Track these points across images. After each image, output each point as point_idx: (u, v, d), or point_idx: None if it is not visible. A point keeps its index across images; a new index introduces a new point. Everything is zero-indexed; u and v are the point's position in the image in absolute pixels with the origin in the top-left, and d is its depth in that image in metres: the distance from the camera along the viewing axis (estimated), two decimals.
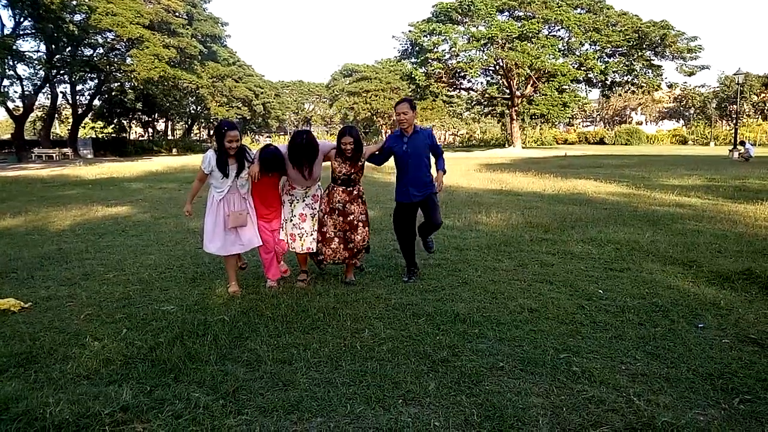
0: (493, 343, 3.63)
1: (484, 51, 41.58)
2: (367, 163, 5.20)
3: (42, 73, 34.94)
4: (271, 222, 4.95)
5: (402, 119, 4.98)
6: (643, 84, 44.86)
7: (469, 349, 3.53)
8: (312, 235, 4.95)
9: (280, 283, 5.01)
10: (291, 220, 4.97)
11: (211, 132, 66.68)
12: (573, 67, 42.29)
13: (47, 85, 36.55)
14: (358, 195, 5.03)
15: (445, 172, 5.14)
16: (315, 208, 5.00)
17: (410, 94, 49.72)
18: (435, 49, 42.32)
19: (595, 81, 45.32)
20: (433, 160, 5.18)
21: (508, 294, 4.67)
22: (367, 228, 5.09)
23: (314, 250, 4.95)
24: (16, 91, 35.86)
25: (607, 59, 43.60)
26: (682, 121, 73.79)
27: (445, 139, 78.01)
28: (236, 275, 4.95)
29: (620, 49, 42.15)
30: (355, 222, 4.97)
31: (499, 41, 40.13)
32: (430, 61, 42.83)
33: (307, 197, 4.99)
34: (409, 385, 3.04)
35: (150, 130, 55.83)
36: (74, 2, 31.69)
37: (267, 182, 4.80)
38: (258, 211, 4.89)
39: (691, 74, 43.21)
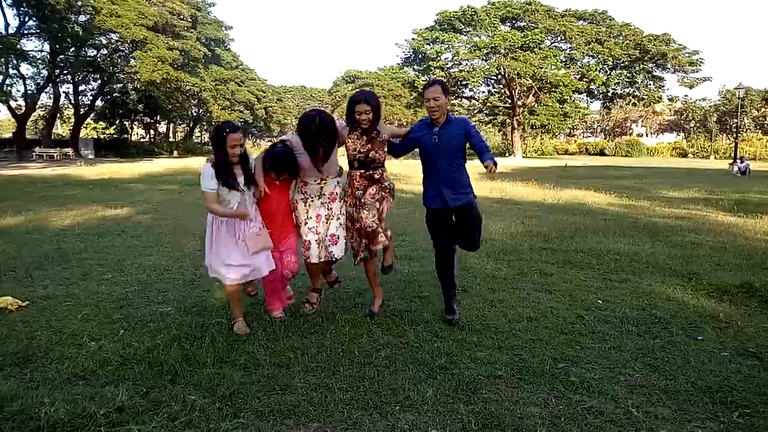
0: (491, 352, 3.61)
1: (486, 60, 41.75)
2: None
3: (45, 72, 35.12)
4: (280, 240, 4.08)
5: (432, 106, 3.99)
6: (644, 96, 45.03)
7: (467, 357, 3.52)
8: (330, 240, 4.15)
9: (286, 313, 4.23)
10: (306, 223, 4.13)
11: None
12: (575, 78, 42.46)
13: (50, 84, 36.69)
14: (380, 180, 4.12)
15: (493, 160, 3.89)
16: (332, 209, 4.15)
17: (412, 101, 49.91)
18: (438, 58, 42.48)
19: (596, 92, 45.48)
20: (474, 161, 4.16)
21: (507, 302, 4.66)
22: (385, 206, 4.13)
23: (333, 258, 4.20)
24: (18, 90, 36.03)
25: (609, 71, 43.78)
26: (682, 134, 73.97)
27: None
28: (243, 309, 4.06)
29: (622, 61, 42.34)
30: (365, 201, 4.06)
31: (502, 51, 40.30)
32: (432, 69, 42.97)
33: (323, 195, 4.13)
34: (406, 392, 3.03)
35: (152, 131, 55.90)
36: (79, 3, 31.82)
37: (276, 191, 4.00)
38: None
39: (692, 86, 43.41)
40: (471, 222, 4.17)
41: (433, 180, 4.14)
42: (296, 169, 3.94)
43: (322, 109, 3.98)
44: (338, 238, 4.17)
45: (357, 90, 4.20)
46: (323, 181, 4.10)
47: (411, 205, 10.79)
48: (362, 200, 4.06)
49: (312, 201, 4.14)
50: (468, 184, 4.16)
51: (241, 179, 3.79)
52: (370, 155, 4.04)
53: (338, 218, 4.18)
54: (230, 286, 3.90)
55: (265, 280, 4.09)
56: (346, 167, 4.31)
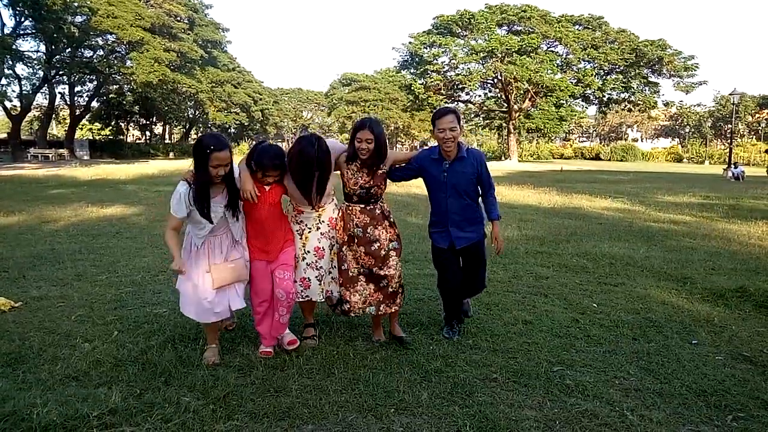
0: (486, 354, 3.61)
1: (483, 64, 41.92)
2: None
3: (41, 73, 34.96)
4: (270, 257, 3.54)
5: (448, 137, 3.58)
6: (639, 101, 45.27)
7: (462, 360, 3.51)
8: (331, 273, 3.69)
9: (276, 350, 3.58)
10: (304, 258, 3.62)
11: None
12: (571, 82, 42.65)
13: (45, 85, 36.53)
14: (383, 215, 3.69)
15: (498, 218, 3.85)
16: (333, 237, 3.68)
17: (408, 104, 50.01)
18: (434, 61, 42.62)
19: (592, 97, 45.70)
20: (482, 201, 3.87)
21: (503, 305, 4.66)
22: (398, 259, 3.73)
23: (335, 293, 3.72)
24: (14, 91, 35.89)
25: (604, 76, 44.00)
26: (677, 139, 74.37)
27: None
28: (218, 336, 3.57)
29: (617, 66, 42.57)
30: (383, 252, 3.64)
31: (499, 55, 40.47)
32: (429, 72, 43.10)
33: (321, 223, 3.65)
34: (401, 395, 3.02)
35: (147, 133, 55.80)
36: (76, 3, 31.75)
37: (266, 195, 3.45)
38: (252, 244, 3.52)
39: (687, 91, 43.67)
40: (477, 262, 3.85)
41: (440, 218, 3.79)
42: (284, 165, 3.41)
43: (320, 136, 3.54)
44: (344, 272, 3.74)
45: (362, 118, 3.72)
46: (321, 208, 3.65)
47: (406, 209, 10.82)
48: (373, 249, 3.62)
49: (310, 232, 3.64)
50: (480, 221, 3.81)
51: (221, 201, 3.29)
52: (371, 191, 3.63)
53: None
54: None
55: (253, 304, 3.59)
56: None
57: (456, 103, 50.71)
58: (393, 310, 3.73)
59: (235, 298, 3.47)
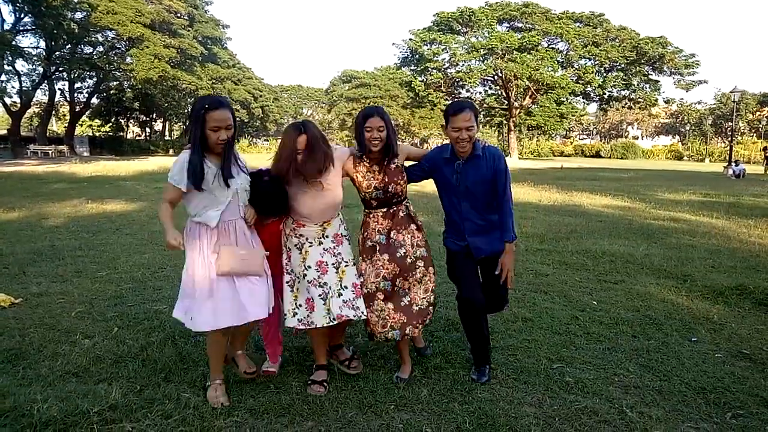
0: None
1: (483, 61, 41.85)
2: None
3: (40, 69, 34.91)
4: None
5: (463, 138, 3.07)
6: (640, 99, 45.21)
7: (462, 357, 3.52)
8: (341, 295, 3.03)
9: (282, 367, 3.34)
10: (305, 276, 3.05)
11: None
12: (571, 80, 42.58)
13: (45, 81, 36.47)
14: (408, 216, 3.23)
15: (513, 240, 3.22)
16: (340, 254, 3.10)
17: (409, 102, 49.96)
18: (435, 58, 42.54)
19: (592, 95, 45.62)
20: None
21: None
22: (432, 270, 3.22)
23: (352, 317, 3.03)
24: (13, 87, 35.84)
25: (605, 73, 43.93)
26: (678, 137, 74.32)
27: None
28: (222, 371, 3.01)
29: (618, 63, 42.50)
30: (408, 260, 3.13)
31: (499, 52, 40.39)
32: (429, 69, 43.03)
33: (325, 238, 3.10)
34: (401, 392, 3.03)
35: (147, 129, 55.73)
36: None
37: (264, 228, 3.11)
38: None
39: (688, 89, 43.60)
40: (498, 277, 3.24)
41: (455, 226, 3.29)
42: (285, 208, 3.05)
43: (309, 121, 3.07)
44: (361, 288, 3.12)
45: (366, 107, 3.12)
46: (326, 223, 3.11)
47: None
48: (398, 256, 3.11)
49: (311, 246, 3.08)
50: (497, 229, 3.25)
51: (218, 173, 2.78)
52: (389, 190, 3.13)
53: (354, 264, 3.18)
54: (213, 334, 2.90)
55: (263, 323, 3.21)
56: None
57: (456, 100, 50.65)
58: (415, 333, 3.17)
59: (253, 299, 2.82)
